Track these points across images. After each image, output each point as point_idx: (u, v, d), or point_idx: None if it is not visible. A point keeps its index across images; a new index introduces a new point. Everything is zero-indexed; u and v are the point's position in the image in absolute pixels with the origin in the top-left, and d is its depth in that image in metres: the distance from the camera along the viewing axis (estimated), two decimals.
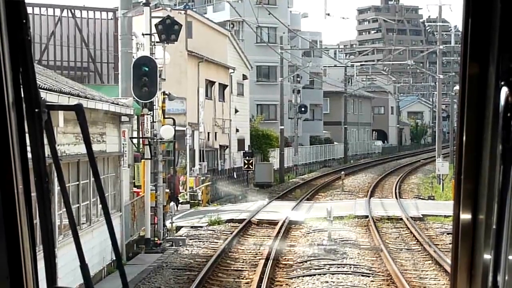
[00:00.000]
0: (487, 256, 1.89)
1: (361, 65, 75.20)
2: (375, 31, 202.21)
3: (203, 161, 40.36)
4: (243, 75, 51.57)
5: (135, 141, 24.99)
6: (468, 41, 1.88)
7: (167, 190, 26.22)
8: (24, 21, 2.03)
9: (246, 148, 49.59)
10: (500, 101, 1.79)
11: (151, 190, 22.38)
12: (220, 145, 45.55)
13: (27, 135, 2.07)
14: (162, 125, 25.15)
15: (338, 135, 78.05)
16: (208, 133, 42.99)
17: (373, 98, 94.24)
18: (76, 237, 2.34)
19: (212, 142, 43.95)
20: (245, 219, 27.73)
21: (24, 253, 2.03)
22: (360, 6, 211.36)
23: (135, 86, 20.65)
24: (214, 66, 43.87)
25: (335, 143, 76.77)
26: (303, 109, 59.55)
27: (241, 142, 50.20)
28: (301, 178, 52.75)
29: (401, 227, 26.57)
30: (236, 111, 49.13)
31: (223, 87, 45.97)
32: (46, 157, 2.13)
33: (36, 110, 2.09)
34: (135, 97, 20.84)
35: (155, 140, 23.88)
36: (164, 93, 26.23)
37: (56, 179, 2.46)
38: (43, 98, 2.12)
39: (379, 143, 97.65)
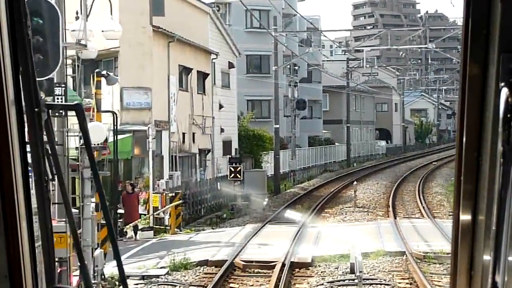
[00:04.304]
0: (487, 257, 1.89)
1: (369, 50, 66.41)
2: (371, 26, 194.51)
3: (176, 170, 31.32)
4: (229, 62, 42.21)
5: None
6: (468, 41, 1.88)
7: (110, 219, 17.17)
8: (25, 20, 2.04)
9: (234, 152, 40.56)
10: (500, 102, 1.78)
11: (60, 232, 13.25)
12: (199, 149, 36.26)
13: (27, 134, 2.07)
14: (97, 122, 16.34)
15: (339, 135, 69.84)
16: (183, 133, 33.82)
17: (376, 94, 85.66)
18: (75, 238, 2.59)
19: (189, 145, 34.71)
20: (225, 260, 18.74)
21: (23, 252, 2.03)
22: (355, 1, 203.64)
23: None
24: (191, 48, 34.63)
25: (336, 144, 68.15)
26: (301, 104, 50.57)
27: (227, 145, 40.98)
28: (301, 188, 43.68)
29: None
30: (221, 106, 39.95)
31: (203, 76, 36.68)
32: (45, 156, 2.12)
33: (36, 109, 2.09)
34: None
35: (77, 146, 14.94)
36: (98, 73, 17.32)
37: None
38: (42, 98, 2.18)
39: (383, 143, 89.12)
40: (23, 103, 2.03)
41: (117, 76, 29.11)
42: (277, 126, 42.93)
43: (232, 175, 34.53)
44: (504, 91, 1.77)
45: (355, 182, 35.80)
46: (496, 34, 1.81)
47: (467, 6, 1.86)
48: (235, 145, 42.36)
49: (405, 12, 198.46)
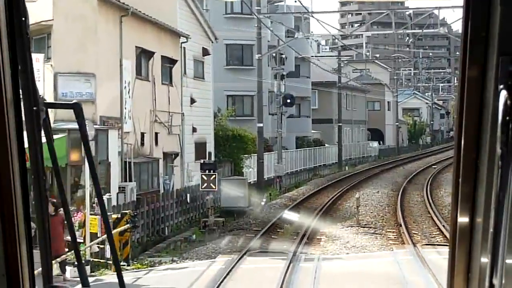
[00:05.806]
0: (484, 260, 1.88)
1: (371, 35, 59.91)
2: (359, 24, 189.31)
3: (130, 180, 24.58)
4: (204, 48, 35.39)
5: None
6: (467, 44, 1.87)
7: None
8: (24, 19, 2.03)
9: (208, 156, 33.82)
10: (499, 104, 1.78)
11: None
12: (164, 153, 29.42)
13: (25, 133, 2.06)
14: None
15: (329, 136, 63.61)
16: (142, 133, 27.00)
17: (368, 92, 79.48)
18: (73, 237, 2.49)
19: (150, 149, 27.87)
20: None
21: (21, 251, 2.02)
22: None
23: None
24: (153, 27, 27.82)
25: (326, 145, 61.82)
26: (288, 100, 43.90)
27: (200, 147, 34.24)
28: (288, 198, 36.99)
29: None
30: (193, 101, 33.20)
31: (169, 62, 29.83)
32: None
33: (35, 108, 2.09)
34: None
35: None
36: None
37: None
38: (41, 97, 2.13)
39: (375, 144, 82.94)
40: (22, 102, 2.03)
41: (50, 58, 22.40)
42: (261, 125, 36.53)
43: (205, 184, 27.79)
44: (503, 94, 1.77)
45: (357, 196, 29.08)
46: (496, 36, 1.81)
47: (466, 8, 1.85)
48: (210, 147, 35.64)
49: (393, 9, 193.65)
